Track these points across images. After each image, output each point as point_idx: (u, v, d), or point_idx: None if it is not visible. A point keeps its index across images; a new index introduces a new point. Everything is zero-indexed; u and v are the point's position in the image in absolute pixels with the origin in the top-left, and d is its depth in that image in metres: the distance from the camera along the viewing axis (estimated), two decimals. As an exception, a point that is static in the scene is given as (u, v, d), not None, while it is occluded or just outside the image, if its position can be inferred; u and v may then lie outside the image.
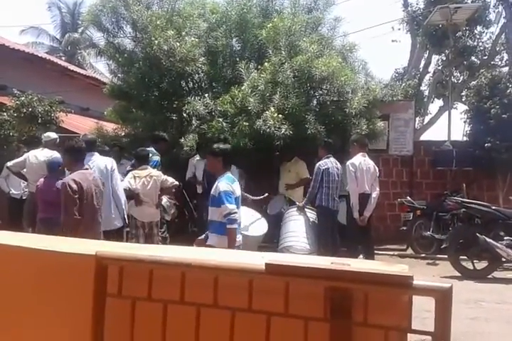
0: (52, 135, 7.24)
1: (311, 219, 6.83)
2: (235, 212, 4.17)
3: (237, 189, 4.37)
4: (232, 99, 7.49)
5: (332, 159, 6.76)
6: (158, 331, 1.25)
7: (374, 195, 6.48)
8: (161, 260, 1.23)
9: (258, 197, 6.97)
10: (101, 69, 19.43)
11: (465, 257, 6.60)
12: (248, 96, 7.35)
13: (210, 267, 1.19)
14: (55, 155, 6.86)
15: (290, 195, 7.71)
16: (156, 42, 7.80)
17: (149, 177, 5.91)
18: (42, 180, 5.86)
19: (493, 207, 6.77)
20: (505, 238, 6.43)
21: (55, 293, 1.37)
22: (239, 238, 4.35)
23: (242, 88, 7.49)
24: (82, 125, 11.27)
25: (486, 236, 6.34)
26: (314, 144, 7.25)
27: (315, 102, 8.24)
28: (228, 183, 4.24)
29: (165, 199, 6.82)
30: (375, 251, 6.99)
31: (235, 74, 8.00)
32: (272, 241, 7.11)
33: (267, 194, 7.15)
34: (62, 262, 1.36)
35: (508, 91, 9.11)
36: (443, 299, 1.03)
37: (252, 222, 6.54)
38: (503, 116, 8.87)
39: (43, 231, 4.91)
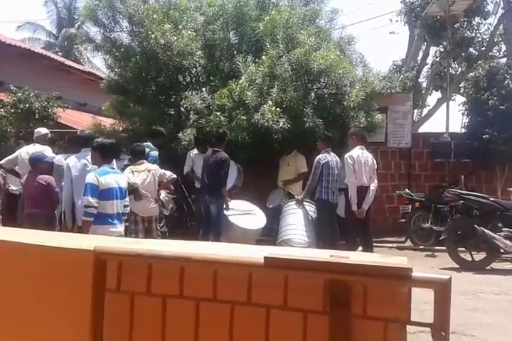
0: (43, 130, 7.22)
1: (310, 213, 6.84)
2: (93, 206, 4.31)
3: (111, 181, 4.46)
4: (230, 93, 7.46)
5: (331, 152, 6.76)
6: (157, 325, 1.26)
7: (372, 187, 6.49)
8: (160, 254, 1.23)
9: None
10: (98, 64, 19.37)
11: (463, 249, 6.63)
12: (246, 89, 7.32)
13: (209, 261, 1.18)
14: (47, 150, 6.86)
15: (289, 189, 7.72)
16: (153, 36, 7.76)
17: (147, 171, 5.91)
18: (25, 176, 5.89)
19: (491, 199, 6.79)
20: (504, 229, 6.45)
21: (53, 289, 1.37)
22: (116, 228, 4.42)
23: (240, 82, 7.47)
24: (79, 120, 11.25)
25: (484, 228, 6.36)
26: (313, 137, 7.24)
27: (313, 95, 8.22)
28: (96, 175, 4.38)
29: (163, 194, 6.82)
30: (374, 244, 7.01)
31: (233, 68, 7.98)
32: (270, 234, 7.13)
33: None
34: (60, 257, 1.36)
35: (506, 82, 9.11)
36: (442, 291, 1.03)
37: (250, 216, 6.56)
38: (501, 107, 8.87)
39: (27, 227, 4.98)
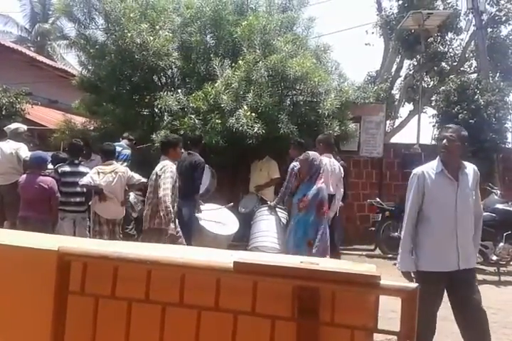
0: (18, 126, 7.01)
1: (282, 219, 6.83)
2: None
3: None
4: (205, 96, 7.43)
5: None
6: (121, 330, 1.22)
7: (338, 195, 6.53)
8: (126, 257, 1.20)
9: (214, 208, 6.66)
10: (71, 61, 18.98)
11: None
12: (221, 93, 7.30)
13: (177, 265, 1.16)
14: (22, 148, 6.65)
15: (261, 194, 7.71)
16: (129, 35, 7.66)
17: (114, 173, 5.78)
18: (24, 176, 5.64)
19: (458, 210, 6.90)
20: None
21: (13, 290, 1.32)
22: None
23: (216, 85, 7.44)
24: (49, 117, 11.01)
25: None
26: (287, 144, 7.26)
27: (288, 102, 8.25)
28: None
29: (132, 196, 6.72)
30: (345, 251, 7.06)
31: (209, 71, 7.94)
32: (242, 240, 7.09)
33: (231, 204, 6.94)
34: (22, 257, 1.31)
35: (476, 97, 9.34)
36: (409, 299, 1.04)
37: (223, 221, 6.50)
38: (470, 121, 9.09)
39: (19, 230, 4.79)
